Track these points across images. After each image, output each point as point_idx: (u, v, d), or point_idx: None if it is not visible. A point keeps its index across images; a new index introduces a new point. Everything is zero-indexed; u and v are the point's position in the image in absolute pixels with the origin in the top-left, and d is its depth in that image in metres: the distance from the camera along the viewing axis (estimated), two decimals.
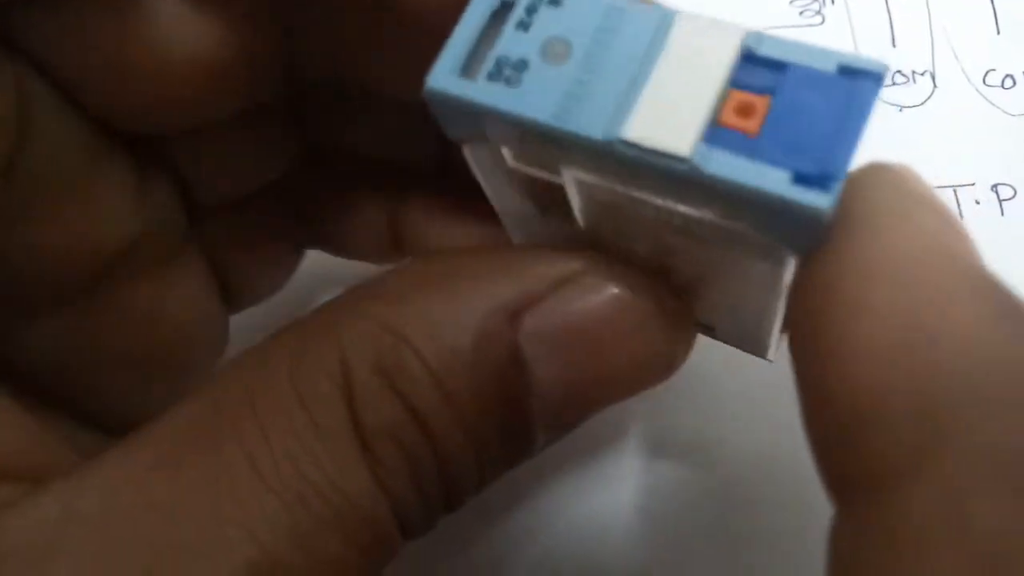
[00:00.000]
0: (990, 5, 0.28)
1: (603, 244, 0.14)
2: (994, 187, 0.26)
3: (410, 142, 0.20)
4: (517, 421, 0.13)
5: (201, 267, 0.18)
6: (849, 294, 0.10)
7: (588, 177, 0.12)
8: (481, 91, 0.12)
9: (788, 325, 0.13)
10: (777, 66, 0.11)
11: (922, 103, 0.27)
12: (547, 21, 0.12)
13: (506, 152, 0.13)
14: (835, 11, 0.28)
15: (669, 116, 0.11)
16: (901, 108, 0.27)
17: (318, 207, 0.21)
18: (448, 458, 0.13)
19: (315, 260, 0.22)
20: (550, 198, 0.14)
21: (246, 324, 0.21)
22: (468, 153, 0.14)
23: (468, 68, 0.12)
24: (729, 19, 0.11)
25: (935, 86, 0.27)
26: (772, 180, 0.10)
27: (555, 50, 0.12)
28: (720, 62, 0.11)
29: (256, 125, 0.17)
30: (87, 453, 0.16)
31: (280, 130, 0.18)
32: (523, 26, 0.12)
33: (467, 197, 0.20)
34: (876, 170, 0.11)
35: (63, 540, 0.11)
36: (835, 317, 0.10)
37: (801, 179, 0.10)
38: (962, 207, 0.25)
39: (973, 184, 0.25)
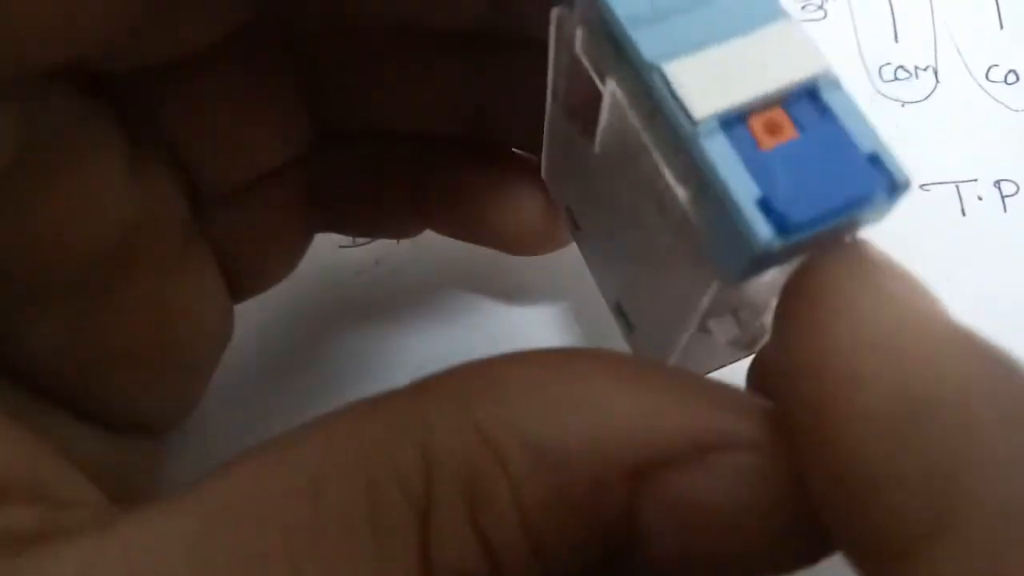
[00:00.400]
0: (993, 0, 0.28)
1: (596, 189, 0.14)
2: (997, 183, 0.25)
3: (434, 113, 0.19)
4: None
5: (207, 259, 0.18)
6: (840, 370, 0.10)
7: (620, 95, 0.12)
8: None
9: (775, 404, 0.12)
10: (825, 113, 0.11)
11: (924, 99, 0.27)
12: None
13: (579, 35, 0.13)
14: (837, 5, 0.28)
15: (712, 83, 0.11)
16: (903, 104, 0.26)
17: (336, 188, 0.20)
18: None
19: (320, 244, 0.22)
20: (587, 113, 0.14)
21: (250, 314, 0.20)
22: (554, 19, 0.14)
23: None
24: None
25: (937, 81, 0.27)
26: (742, 188, 0.11)
27: None
28: (787, 76, 0.11)
29: (261, 102, 0.17)
30: (88, 453, 0.16)
31: (288, 109, 0.18)
32: None
33: (494, 170, 0.20)
34: (843, 250, 0.11)
35: None
36: (830, 395, 0.10)
37: (765, 206, 0.10)
38: (964, 203, 0.25)
39: (976, 180, 0.25)
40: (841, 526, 0.10)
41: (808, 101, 0.11)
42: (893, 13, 0.28)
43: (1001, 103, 0.27)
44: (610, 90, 0.13)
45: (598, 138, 0.14)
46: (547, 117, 0.16)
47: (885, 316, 0.10)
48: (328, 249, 0.23)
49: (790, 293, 0.11)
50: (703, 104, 0.11)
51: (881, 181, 0.11)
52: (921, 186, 0.25)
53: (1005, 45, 0.27)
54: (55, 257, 0.14)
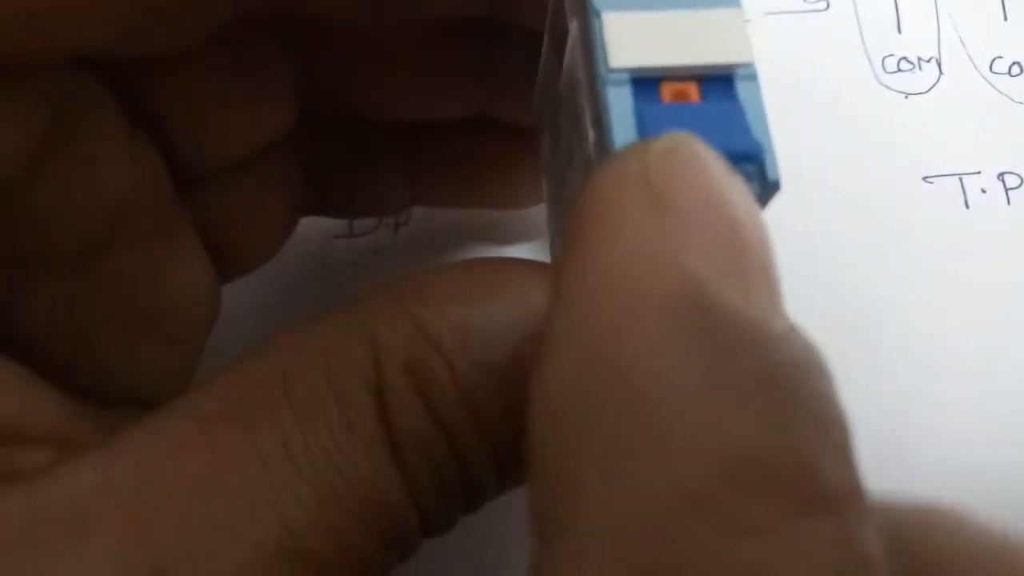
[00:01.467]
0: None
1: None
2: (1000, 176, 0.25)
3: (436, 102, 0.19)
4: None
5: (190, 234, 0.18)
6: (549, 328, 0.09)
7: (576, 36, 0.13)
8: None
9: None
10: (732, 97, 0.12)
11: (927, 90, 0.26)
12: None
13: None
14: None
15: (640, 42, 0.12)
16: (906, 95, 0.26)
17: (325, 163, 0.20)
18: (470, 468, 0.13)
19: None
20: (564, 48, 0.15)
21: (238, 294, 0.20)
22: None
23: None
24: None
25: (941, 73, 0.27)
26: (623, 134, 0.11)
27: None
28: (711, 56, 0.12)
29: (247, 87, 0.17)
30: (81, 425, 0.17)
31: (274, 94, 0.18)
32: None
33: (489, 152, 0.20)
34: (624, 154, 0.10)
35: (99, 510, 0.11)
36: (540, 353, 0.09)
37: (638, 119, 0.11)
38: (968, 196, 0.25)
39: (979, 172, 0.25)
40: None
41: (721, 83, 0.12)
42: (896, 4, 0.27)
43: (1005, 95, 0.26)
44: (572, 30, 0.13)
45: (563, 74, 0.14)
46: (543, 48, 0.17)
47: (607, 263, 0.09)
48: (323, 240, 0.23)
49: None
50: (622, 56, 0.12)
51: (753, 170, 0.11)
52: (924, 178, 0.25)
53: (1009, 36, 0.27)
54: (57, 234, 0.15)
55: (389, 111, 0.19)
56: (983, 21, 0.27)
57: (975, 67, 0.27)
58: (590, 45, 0.12)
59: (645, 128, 0.11)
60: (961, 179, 0.25)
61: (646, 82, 0.12)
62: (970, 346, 0.23)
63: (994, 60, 0.27)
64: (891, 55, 0.27)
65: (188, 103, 0.17)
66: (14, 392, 0.14)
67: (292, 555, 0.11)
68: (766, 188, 0.12)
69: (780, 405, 0.08)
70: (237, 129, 0.18)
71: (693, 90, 0.12)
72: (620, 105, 0.11)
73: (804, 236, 0.24)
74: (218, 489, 0.12)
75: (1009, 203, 0.25)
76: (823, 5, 0.27)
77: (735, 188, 0.10)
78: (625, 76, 0.12)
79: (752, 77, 0.12)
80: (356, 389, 0.12)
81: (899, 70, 0.27)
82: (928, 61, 0.27)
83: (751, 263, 0.10)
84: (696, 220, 0.09)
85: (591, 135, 0.12)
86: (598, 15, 0.12)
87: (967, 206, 0.25)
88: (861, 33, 0.27)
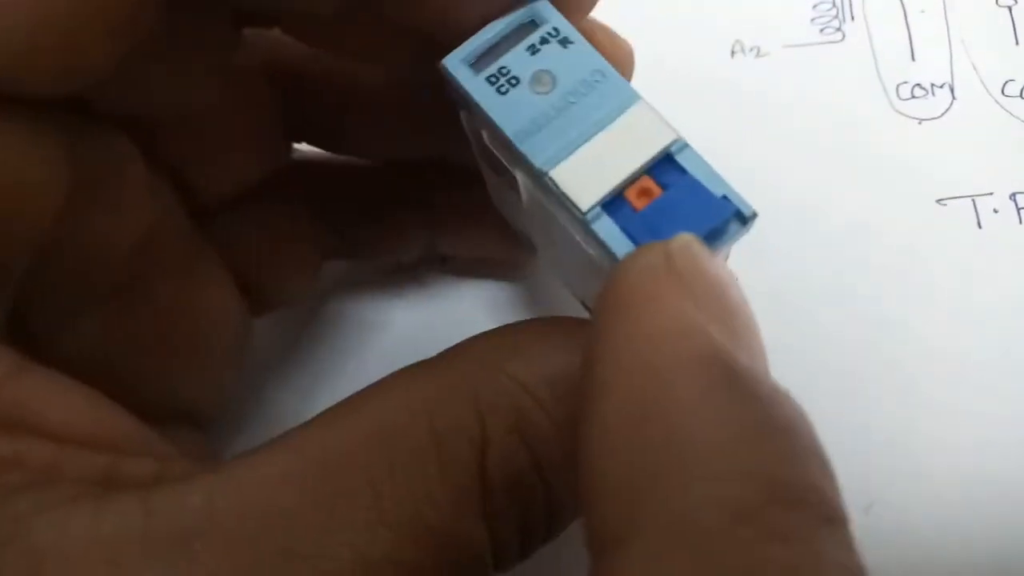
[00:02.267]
0: (1009, 16, 0.29)
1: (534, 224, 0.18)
2: (1012, 196, 0.26)
3: (418, 142, 0.21)
4: None
5: (216, 265, 0.20)
6: (598, 376, 0.11)
7: (525, 180, 0.15)
8: (478, 88, 0.15)
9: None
10: (682, 172, 0.14)
11: (940, 115, 0.27)
12: (551, 54, 0.15)
13: (484, 135, 0.16)
14: (855, 27, 0.29)
15: (590, 175, 0.14)
16: (920, 121, 0.27)
17: (343, 204, 0.22)
18: (557, 508, 0.14)
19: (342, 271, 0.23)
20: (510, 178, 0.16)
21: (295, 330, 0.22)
22: (463, 118, 0.16)
23: (478, 62, 0.15)
24: (668, 118, 0.14)
25: (954, 98, 0.28)
26: (622, 249, 0.14)
27: (543, 80, 0.15)
28: (647, 152, 0.14)
29: (246, 129, 0.19)
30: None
31: (272, 124, 0.20)
32: (532, 50, 0.15)
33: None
34: (644, 252, 0.12)
35: (205, 531, 0.12)
36: (586, 397, 0.11)
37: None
38: (980, 216, 0.26)
39: (991, 194, 0.26)
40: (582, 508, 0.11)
41: (667, 164, 0.14)
42: (910, 32, 0.29)
43: (1017, 118, 0.27)
44: (520, 178, 0.15)
45: (523, 199, 0.16)
46: (482, 169, 0.19)
47: (648, 330, 0.11)
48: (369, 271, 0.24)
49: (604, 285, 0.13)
50: (587, 196, 0.14)
51: (730, 215, 0.14)
52: (938, 201, 0.26)
53: (1021, 61, 0.28)
54: (94, 268, 0.17)
55: (380, 149, 0.21)
56: (995, 46, 0.28)
57: (987, 91, 0.28)
58: (554, 196, 0.14)
59: (636, 238, 0.14)
60: (974, 200, 0.26)
61: (614, 201, 0.14)
62: (984, 362, 0.24)
63: (1006, 84, 0.28)
64: (905, 82, 0.28)
65: (192, 144, 0.19)
66: (102, 407, 0.15)
67: None
68: (748, 221, 0.14)
69: (792, 444, 0.11)
70: (237, 163, 0.20)
71: (650, 184, 0.14)
72: (608, 230, 0.14)
73: (823, 259, 0.26)
74: (304, 523, 0.13)
75: (1021, 222, 0.26)
76: (839, 37, 0.29)
77: (728, 274, 0.12)
78: (597, 209, 0.14)
79: (684, 146, 0.14)
80: (459, 446, 0.13)
81: (913, 96, 0.28)
82: (941, 87, 0.28)
83: (751, 335, 0.12)
84: (711, 301, 0.12)
85: (592, 250, 0.15)
86: (546, 175, 0.14)
87: (980, 226, 0.26)
88: (876, 62, 0.28)
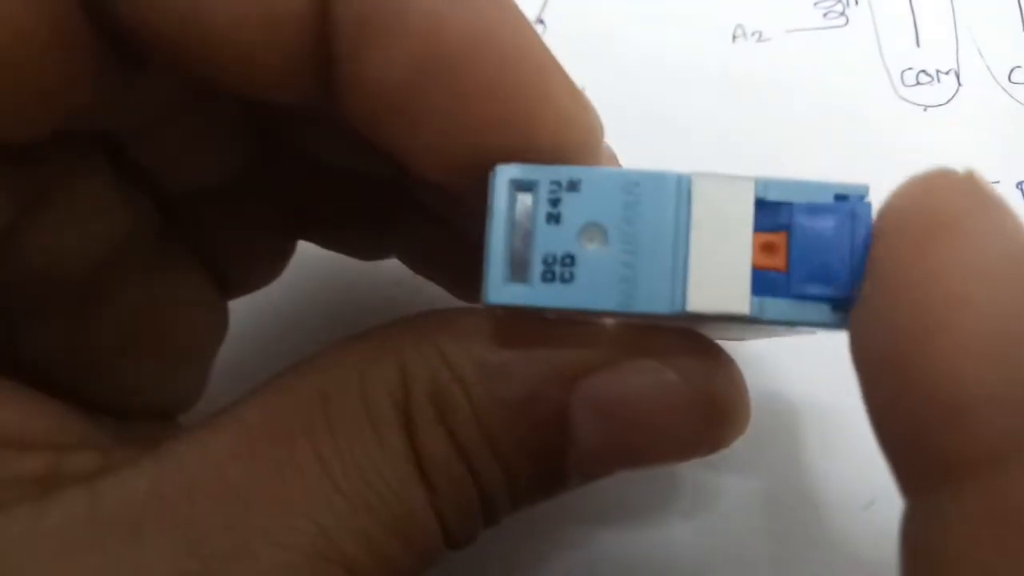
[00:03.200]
0: (1015, 2, 0.28)
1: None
2: (1019, 185, 0.26)
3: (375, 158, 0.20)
4: (553, 468, 0.15)
5: (186, 259, 0.20)
6: (952, 290, 0.11)
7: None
8: (542, 294, 0.13)
9: (860, 327, 0.13)
10: (786, 205, 0.13)
11: (946, 102, 0.27)
12: (573, 208, 0.13)
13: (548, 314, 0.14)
14: (859, 12, 0.28)
15: (719, 281, 0.12)
16: (925, 108, 0.27)
17: (307, 201, 0.21)
18: (487, 491, 0.14)
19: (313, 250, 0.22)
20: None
21: (247, 312, 0.21)
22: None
23: (516, 270, 0.13)
24: (740, 171, 0.13)
25: (960, 84, 0.27)
26: (816, 312, 0.12)
27: (592, 237, 0.13)
28: (744, 216, 0.12)
29: (203, 117, 0.18)
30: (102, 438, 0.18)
31: (232, 125, 0.19)
32: (553, 219, 0.13)
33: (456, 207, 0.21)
34: (949, 174, 0.12)
35: (152, 515, 0.12)
36: (937, 311, 0.11)
37: (836, 306, 0.12)
38: None
39: (998, 182, 0.26)
40: (909, 438, 0.11)
41: (767, 210, 0.13)
42: (915, 18, 0.28)
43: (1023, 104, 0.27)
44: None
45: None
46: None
47: (995, 243, 0.11)
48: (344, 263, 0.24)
49: (896, 212, 0.12)
50: (736, 301, 0.12)
51: (861, 202, 0.13)
52: None
53: None
54: (55, 274, 0.16)
55: (341, 161, 0.20)
56: (1002, 31, 0.28)
57: (994, 78, 0.27)
58: (707, 317, 0.13)
59: (812, 294, 0.13)
60: None
61: (759, 279, 0.12)
62: None
63: (1013, 70, 0.27)
64: (910, 68, 0.27)
65: (162, 145, 0.18)
66: (34, 406, 0.15)
67: (330, 559, 0.13)
68: (868, 192, 0.13)
69: None
70: (206, 158, 0.19)
71: (768, 237, 0.13)
72: (782, 310, 0.13)
73: None
74: (258, 499, 0.13)
75: None
76: (842, 21, 0.28)
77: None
78: (756, 301, 0.12)
79: (765, 182, 0.13)
80: (386, 409, 0.14)
81: (918, 83, 0.27)
82: (947, 73, 0.27)
83: None
84: None
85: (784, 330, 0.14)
86: (682, 315, 0.13)
87: None
88: (880, 48, 0.28)
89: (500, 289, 0.13)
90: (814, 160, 0.26)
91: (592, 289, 0.13)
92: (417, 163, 0.14)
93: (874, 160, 0.26)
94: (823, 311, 0.12)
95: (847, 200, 0.13)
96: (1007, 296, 0.10)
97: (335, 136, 0.18)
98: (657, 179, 0.13)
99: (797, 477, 0.23)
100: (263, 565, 0.12)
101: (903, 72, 0.27)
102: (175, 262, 0.19)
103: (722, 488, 0.23)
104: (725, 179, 0.13)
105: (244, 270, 0.21)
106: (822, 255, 0.12)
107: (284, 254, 0.22)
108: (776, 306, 0.12)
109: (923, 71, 0.27)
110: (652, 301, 0.12)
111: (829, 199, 0.13)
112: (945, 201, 0.11)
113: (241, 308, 0.22)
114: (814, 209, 0.12)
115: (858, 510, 0.22)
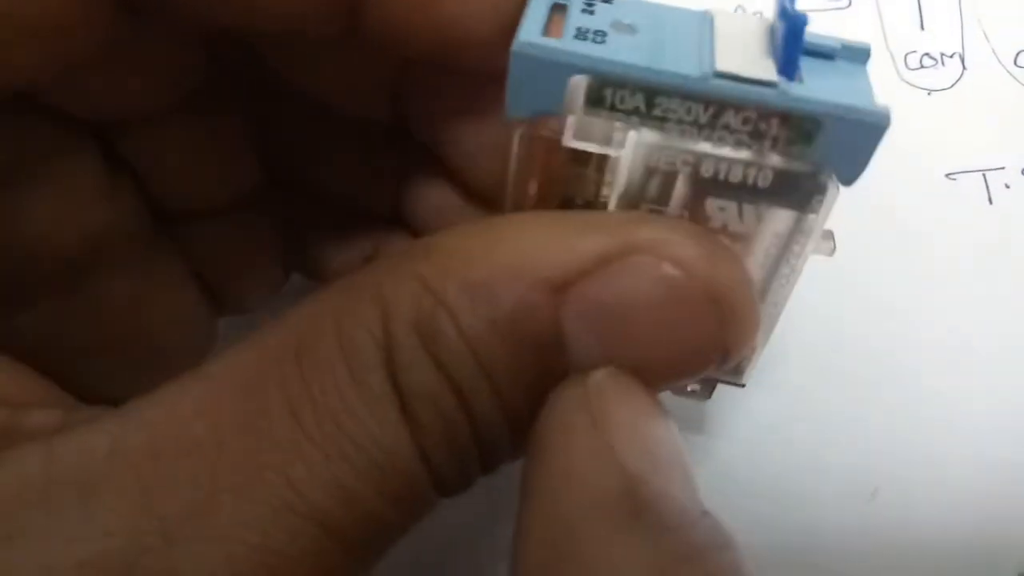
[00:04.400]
0: None
1: None
2: None
3: (374, 187, 0.20)
4: None
5: (178, 269, 0.19)
6: (521, 520, 0.12)
7: (654, 138, 0.13)
8: (573, 47, 0.13)
9: None
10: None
11: (951, 86, 0.26)
12: (606, 12, 0.14)
13: (569, 125, 0.14)
14: None
15: (745, 59, 0.13)
16: (929, 92, 0.26)
17: (300, 233, 0.21)
18: (483, 426, 0.13)
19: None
20: (579, 192, 0.15)
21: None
22: (517, 138, 0.14)
23: (550, 31, 0.13)
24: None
25: (964, 68, 0.27)
26: (850, 95, 0.13)
27: (623, 28, 0.13)
28: (759, 31, 0.13)
29: (209, 144, 0.18)
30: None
31: (236, 153, 0.19)
32: (588, 11, 0.14)
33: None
34: (567, 386, 0.13)
35: (109, 472, 0.12)
36: (515, 538, 0.12)
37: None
38: (991, 192, 0.25)
39: (1003, 168, 0.25)
40: None
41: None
42: (919, 0, 0.27)
43: None
44: (633, 144, 0.14)
45: (613, 202, 0.15)
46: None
47: (558, 468, 0.12)
48: None
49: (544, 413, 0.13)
50: (764, 70, 0.13)
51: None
52: (947, 175, 0.25)
53: None
54: (31, 262, 0.16)
55: (325, 185, 0.20)
56: (1007, 15, 0.27)
57: (999, 61, 0.27)
58: (714, 103, 0.13)
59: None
60: (984, 175, 0.25)
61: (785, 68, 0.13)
62: (995, 341, 0.24)
63: (1019, 54, 0.27)
64: (913, 51, 0.27)
65: (157, 155, 0.18)
66: (8, 368, 0.14)
67: (299, 512, 0.12)
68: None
69: (705, 572, 0.11)
70: (202, 182, 0.19)
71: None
72: (806, 89, 0.13)
73: None
74: (225, 454, 0.12)
75: None
76: (844, 3, 0.27)
77: (651, 404, 0.13)
78: (782, 79, 0.13)
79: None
80: (365, 347, 0.13)
81: (922, 66, 0.27)
82: (951, 56, 0.27)
83: (672, 461, 0.12)
84: (627, 432, 0.12)
85: (775, 159, 0.14)
86: (712, 76, 0.13)
87: (990, 202, 0.25)
88: (883, 30, 0.27)
89: (533, 38, 0.13)
90: None
91: (622, 51, 0.13)
92: (460, 36, 0.14)
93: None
94: (858, 93, 0.13)
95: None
96: (545, 532, 0.12)
97: (347, 83, 0.18)
98: (684, 11, 0.14)
99: (800, 468, 0.23)
100: (223, 520, 0.12)
101: (907, 55, 0.27)
102: (159, 263, 0.19)
103: (726, 479, 0.23)
104: (741, 15, 0.14)
105: (236, 290, 0.21)
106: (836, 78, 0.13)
107: (278, 279, 0.22)
108: (803, 86, 0.13)
109: (927, 54, 0.27)
110: (680, 66, 0.13)
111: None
112: (548, 417, 0.13)
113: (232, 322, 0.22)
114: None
115: (863, 499, 0.22)
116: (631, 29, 0.13)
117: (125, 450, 0.12)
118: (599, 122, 0.13)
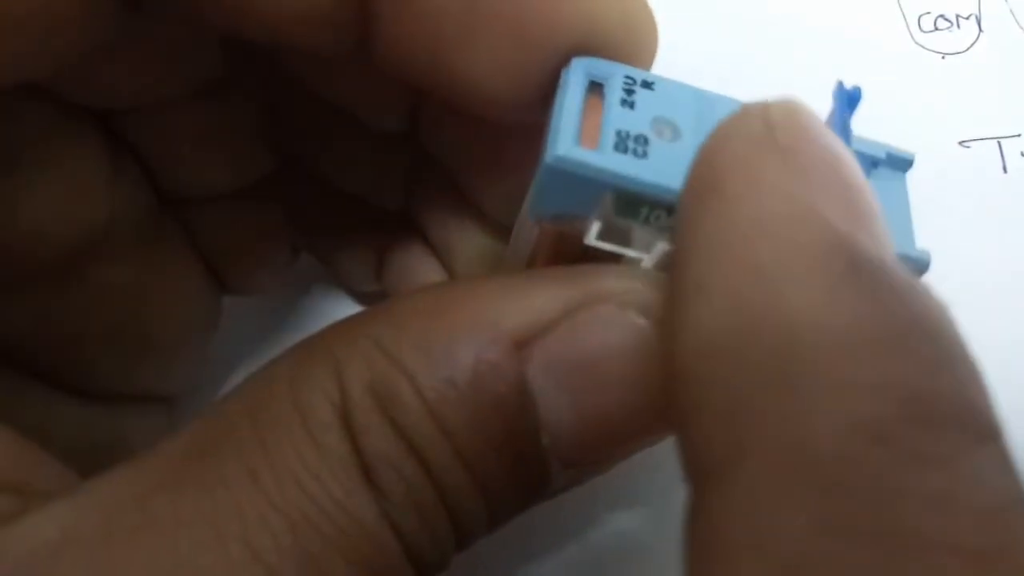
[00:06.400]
0: None
1: None
2: None
3: (385, 185, 0.20)
4: (527, 459, 0.13)
5: (182, 253, 0.19)
6: (691, 275, 0.10)
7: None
8: (613, 165, 0.12)
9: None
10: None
11: (966, 49, 0.26)
12: (647, 102, 0.13)
13: (594, 228, 0.13)
14: None
15: None
16: (943, 55, 0.25)
17: (309, 216, 0.21)
18: (450, 493, 0.12)
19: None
20: None
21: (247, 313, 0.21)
22: (535, 232, 0.14)
23: (586, 140, 0.12)
24: None
25: (980, 31, 0.26)
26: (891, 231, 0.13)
27: (663, 131, 0.12)
28: None
29: (220, 131, 0.18)
30: (66, 424, 0.17)
31: (248, 141, 0.19)
32: (628, 104, 0.13)
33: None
34: (740, 120, 0.10)
35: (62, 564, 0.11)
36: (679, 301, 0.10)
37: None
38: (1007, 159, 0.24)
39: (1019, 135, 0.24)
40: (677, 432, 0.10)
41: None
42: None
43: None
44: (660, 252, 0.13)
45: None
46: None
47: (753, 214, 0.10)
48: None
49: (693, 165, 0.11)
50: None
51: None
52: (960, 142, 0.24)
53: None
54: (32, 248, 0.15)
55: (335, 179, 0.20)
56: None
57: (1017, 24, 0.26)
58: None
59: None
60: (999, 142, 0.24)
61: None
62: (1009, 311, 0.23)
63: None
64: (927, 13, 0.26)
65: (166, 142, 0.17)
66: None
67: None
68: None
69: (936, 349, 0.09)
70: (211, 169, 0.18)
71: None
72: None
73: None
74: (185, 531, 0.11)
75: None
76: None
77: (842, 146, 0.10)
78: None
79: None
80: (321, 410, 0.12)
81: (936, 29, 0.26)
82: (967, 18, 0.26)
83: (873, 215, 0.10)
84: (822, 176, 0.10)
85: None
86: None
87: (1005, 170, 0.24)
88: None
89: (570, 148, 0.12)
90: (824, 107, 0.25)
91: (664, 168, 0.12)
92: (473, 81, 0.13)
93: (888, 109, 0.25)
94: None
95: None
96: (740, 279, 0.09)
97: (363, 94, 0.17)
98: (727, 100, 0.13)
99: None
100: None
101: (920, 17, 0.26)
102: (163, 248, 0.18)
103: None
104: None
105: (241, 272, 0.20)
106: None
107: (287, 261, 0.21)
108: None
109: (942, 16, 0.26)
110: None
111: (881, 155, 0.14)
112: (727, 157, 0.10)
113: (265, 306, 0.22)
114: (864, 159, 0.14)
115: None
116: (675, 131, 0.12)
117: (78, 538, 0.11)
118: (631, 225, 0.13)
